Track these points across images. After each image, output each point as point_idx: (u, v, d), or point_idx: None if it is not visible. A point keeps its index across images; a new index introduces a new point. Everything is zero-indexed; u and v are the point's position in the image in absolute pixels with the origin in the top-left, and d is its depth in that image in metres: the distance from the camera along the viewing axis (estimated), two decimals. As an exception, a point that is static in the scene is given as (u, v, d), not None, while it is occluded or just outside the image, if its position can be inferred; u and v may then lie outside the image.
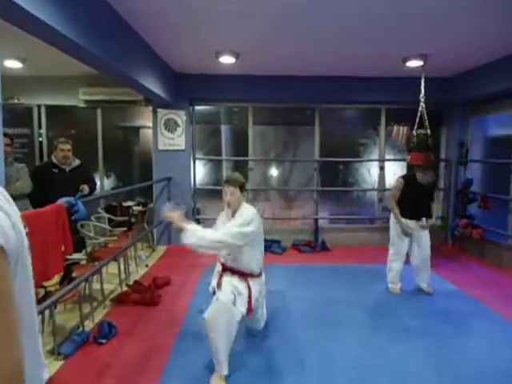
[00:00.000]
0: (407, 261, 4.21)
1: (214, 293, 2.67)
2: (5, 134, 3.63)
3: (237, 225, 2.55)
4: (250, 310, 2.61)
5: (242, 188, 2.70)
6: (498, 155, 5.52)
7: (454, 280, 4.49)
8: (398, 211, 4.06)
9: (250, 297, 2.62)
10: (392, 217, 4.20)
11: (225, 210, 2.87)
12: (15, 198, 3.38)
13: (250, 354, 2.86)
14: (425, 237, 4.06)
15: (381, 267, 5.09)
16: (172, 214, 2.64)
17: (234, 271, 2.70)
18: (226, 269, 2.74)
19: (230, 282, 2.63)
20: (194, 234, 2.55)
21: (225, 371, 2.42)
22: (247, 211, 2.66)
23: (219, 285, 2.66)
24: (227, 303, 2.45)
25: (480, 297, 4.02)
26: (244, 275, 2.68)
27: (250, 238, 2.57)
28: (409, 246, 4.12)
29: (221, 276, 2.73)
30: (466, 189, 5.85)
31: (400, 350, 2.95)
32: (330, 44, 4.27)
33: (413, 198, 4.00)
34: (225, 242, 2.51)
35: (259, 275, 2.79)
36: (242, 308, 2.55)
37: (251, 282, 2.68)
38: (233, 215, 2.72)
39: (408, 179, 4.09)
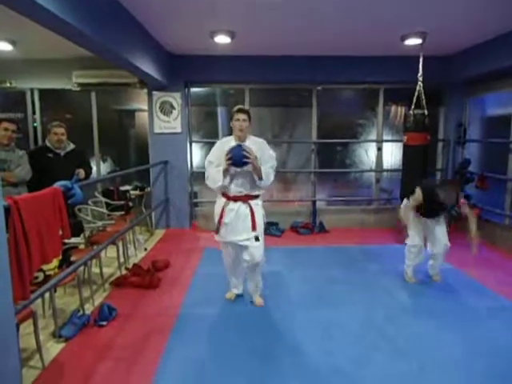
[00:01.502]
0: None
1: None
2: (11, 120, 3.64)
3: (271, 163, 3.15)
4: (253, 227, 3.06)
5: (249, 117, 3.12)
6: (495, 135, 5.50)
7: (451, 259, 4.52)
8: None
9: (252, 217, 3.06)
10: (404, 203, 4.01)
11: (223, 140, 3.22)
12: (15, 184, 3.40)
13: (249, 335, 2.89)
14: (441, 226, 3.84)
15: (378, 248, 5.15)
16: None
17: (237, 198, 3.09)
18: (229, 198, 3.11)
19: (230, 223, 3.08)
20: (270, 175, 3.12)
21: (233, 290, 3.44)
22: (264, 144, 3.20)
23: (218, 230, 3.16)
24: (231, 257, 3.27)
25: (476, 276, 4.07)
26: (247, 199, 3.10)
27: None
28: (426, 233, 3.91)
29: (222, 213, 3.11)
30: (464, 169, 5.85)
31: (397, 328, 3.00)
32: (327, 21, 4.18)
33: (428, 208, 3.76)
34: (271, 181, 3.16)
35: (259, 196, 3.20)
36: (244, 235, 3.07)
37: (252, 203, 3.10)
38: (240, 142, 3.08)
39: (428, 193, 3.67)
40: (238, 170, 3.00)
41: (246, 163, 2.93)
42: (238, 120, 3.03)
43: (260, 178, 3.02)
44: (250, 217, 3.07)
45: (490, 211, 5.40)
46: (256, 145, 3.10)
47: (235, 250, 3.23)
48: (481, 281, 3.93)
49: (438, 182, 4.14)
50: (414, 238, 3.86)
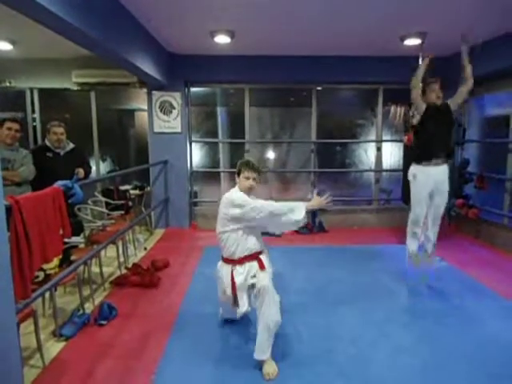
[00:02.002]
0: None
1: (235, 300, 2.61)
2: (14, 119, 3.65)
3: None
4: (261, 266, 2.59)
5: (260, 175, 2.74)
6: (494, 135, 5.52)
7: (451, 259, 4.55)
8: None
9: (260, 261, 2.61)
10: (412, 174, 3.81)
11: (237, 191, 2.69)
12: (19, 183, 3.40)
13: (249, 334, 2.90)
14: (442, 193, 3.75)
15: (378, 248, 5.16)
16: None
17: (243, 259, 2.61)
18: (236, 262, 2.62)
19: (244, 285, 2.57)
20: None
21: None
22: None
23: (236, 300, 2.61)
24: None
25: (476, 275, 4.08)
26: (257, 254, 2.66)
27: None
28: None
29: (232, 278, 2.60)
30: (463, 169, 5.86)
31: (397, 327, 3.01)
32: (327, 21, 4.19)
33: (433, 132, 3.67)
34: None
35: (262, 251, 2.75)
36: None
37: (261, 257, 2.66)
38: None
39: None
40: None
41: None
42: (248, 178, 2.63)
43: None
44: (256, 265, 2.61)
45: (489, 211, 5.41)
46: None
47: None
48: (480, 280, 3.94)
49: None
50: (419, 212, 3.80)
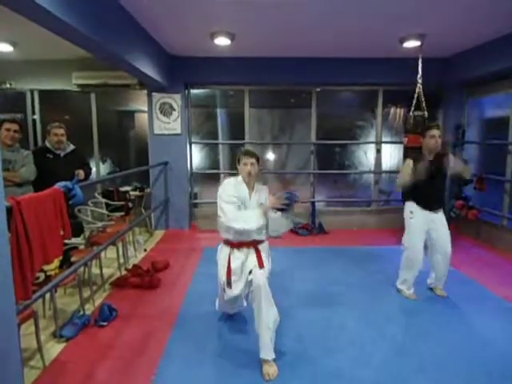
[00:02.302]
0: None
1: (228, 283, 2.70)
2: (13, 120, 3.67)
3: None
4: (260, 264, 2.66)
5: (258, 161, 2.79)
6: (494, 136, 5.53)
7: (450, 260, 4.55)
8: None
9: (258, 255, 2.70)
10: (408, 210, 3.58)
11: (233, 182, 2.78)
12: (20, 184, 3.40)
13: (249, 334, 2.90)
14: (442, 229, 3.49)
15: (377, 249, 5.17)
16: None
17: (243, 244, 2.73)
18: (234, 245, 2.74)
19: (237, 271, 2.68)
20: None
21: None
22: (267, 191, 2.88)
23: (229, 283, 2.69)
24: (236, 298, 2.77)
25: (475, 276, 4.09)
26: (252, 244, 2.74)
27: None
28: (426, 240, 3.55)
29: (229, 266, 2.70)
30: (462, 170, 5.87)
31: (396, 328, 3.02)
32: (327, 23, 4.20)
33: (427, 191, 3.45)
34: None
35: (265, 240, 2.85)
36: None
37: (260, 246, 2.76)
38: (250, 188, 2.78)
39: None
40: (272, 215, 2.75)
41: (286, 210, 2.73)
42: (246, 164, 2.71)
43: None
44: (255, 257, 2.70)
45: (489, 212, 5.42)
46: (262, 192, 2.87)
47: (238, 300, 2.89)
48: (480, 281, 3.94)
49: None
50: (414, 242, 3.49)
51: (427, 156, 3.45)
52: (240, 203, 2.70)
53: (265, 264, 2.67)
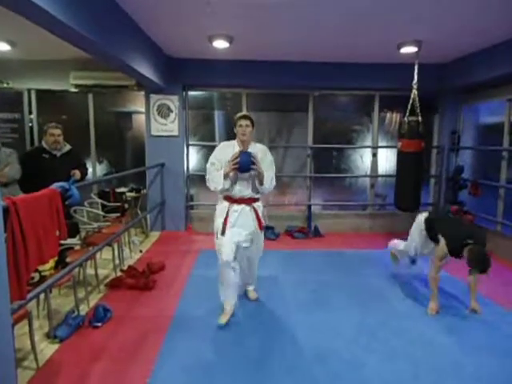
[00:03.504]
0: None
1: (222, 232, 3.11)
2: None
3: (271, 172, 3.20)
4: (260, 226, 3.24)
5: (253, 123, 3.17)
6: (488, 142, 5.58)
7: (446, 267, 4.56)
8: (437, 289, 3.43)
9: (258, 217, 3.21)
10: (418, 220, 3.79)
11: (226, 144, 3.29)
12: (5, 184, 3.36)
13: (244, 337, 2.91)
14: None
15: (373, 253, 5.19)
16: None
17: (241, 201, 3.16)
18: (233, 201, 3.16)
19: (236, 224, 3.11)
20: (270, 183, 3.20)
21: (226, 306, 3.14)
22: (266, 150, 3.26)
23: (223, 231, 3.10)
24: (228, 261, 3.02)
25: (468, 282, 4.10)
26: (250, 201, 3.19)
27: None
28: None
29: (226, 216, 3.12)
30: (457, 175, 5.92)
31: (391, 332, 3.03)
32: (324, 28, 4.23)
33: None
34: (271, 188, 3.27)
35: (260, 198, 3.30)
36: (245, 243, 3.16)
37: (255, 205, 3.22)
38: (243, 147, 3.16)
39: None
40: (241, 174, 3.08)
41: (251, 169, 3.01)
42: (241, 126, 3.11)
43: (261, 184, 3.11)
44: (254, 217, 3.20)
45: (483, 218, 5.46)
46: (259, 151, 3.20)
47: (235, 252, 3.10)
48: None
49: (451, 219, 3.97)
50: (410, 248, 3.84)
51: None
52: (221, 165, 3.11)
53: (262, 223, 3.24)
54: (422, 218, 3.75)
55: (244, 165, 2.99)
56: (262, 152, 3.22)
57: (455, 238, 3.21)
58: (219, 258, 3.12)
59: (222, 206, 3.20)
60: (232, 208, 3.15)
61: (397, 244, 4.18)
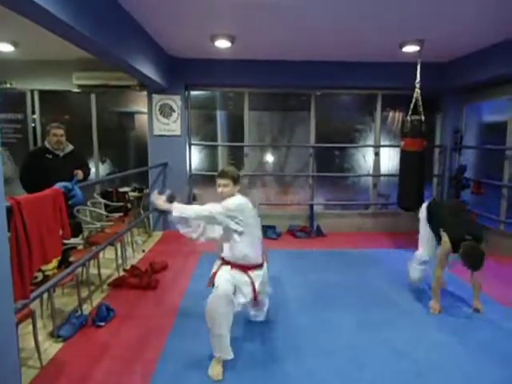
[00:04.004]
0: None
1: (212, 285, 2.60)
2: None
3: (208, 207, 2.65)
4: (255, 297, 2.65)
5: (235, 181, 2.70)
6: (491, 141, 5.56)
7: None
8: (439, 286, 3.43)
9: (253, 286, 2.62)
10: (421, 216, 3.69)
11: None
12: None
13: (247, 337, 2.92)
14: None
15: (375, 252, 5.18)
16: (158, 200, 2.74)
17: (233, 265, 2.65)
18: (225, 263, 2.70)
19: (229, 272, 2.61)
20: (179, 208, 2.68)
21: (222, 356, 2.46)
22: (235, 198, 2.66)
23: (214, 275, 2.64)
24: (226, 292, 2.46)
25: (471, 281, 4.09)
26: (244, 268, 2.64)
27: (235, 214, 2.58)
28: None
29: (219, 268, 2.69)
30: (460, 175, 5.90)
31: (394, 330, 3.03)
32: (327, 27, 4.23)
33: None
34: (208, 211, 2.61)
35: (260, 266, 2.74)
36: (241, 299, 2.58)
37: (252, 273, 2.65)
38: None
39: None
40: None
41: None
42: (219, 186, 2.70)
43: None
44: (249, 287, 2.62)
45: (486, 217, 5.44)
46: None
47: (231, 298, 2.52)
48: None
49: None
50: (425, 252, 3.62)
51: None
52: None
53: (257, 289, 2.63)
54: (424, 206, 3.74)
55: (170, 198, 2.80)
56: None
57: (455, 234, 3.21)
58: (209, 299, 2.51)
59: (216, 265, 2.79)
60: (223, 266, 2.70)
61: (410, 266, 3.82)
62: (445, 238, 3.27)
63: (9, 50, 4.99)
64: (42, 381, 2.38)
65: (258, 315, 3.09)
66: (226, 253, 2.69)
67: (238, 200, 2.63)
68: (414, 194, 5.02)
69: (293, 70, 5.81)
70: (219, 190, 2.70)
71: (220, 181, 2.70)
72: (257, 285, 2.63)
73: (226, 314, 2.44)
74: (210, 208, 2.61)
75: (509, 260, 4.87)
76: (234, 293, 2.54)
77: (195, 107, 6.28)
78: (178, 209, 2.67)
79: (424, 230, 3.68)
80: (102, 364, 2.55)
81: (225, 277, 2.56)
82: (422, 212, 3.73)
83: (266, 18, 3.92)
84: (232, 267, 2.64)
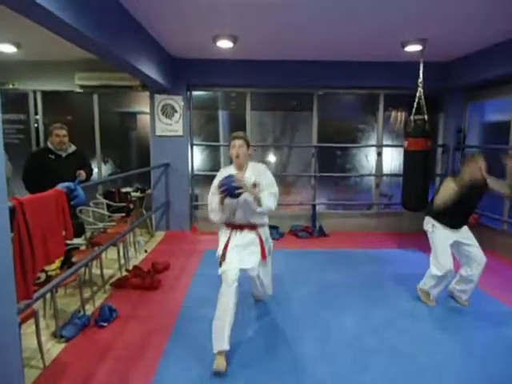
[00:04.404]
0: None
1: (220, 263, 2.81)
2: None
3: (272, 188, 2.85)
4: (263, 256, 2.89)
5: (248, 143, 2.92)
6: (494, 141, 5.54)
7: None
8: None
9: (262, 244, 2.89)
10: (430, 223, 3.47)
11: (225, 168, 3.03)
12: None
13: (249, 337, 2.91)
14: (470, 237, 3.39)
15: (378, 252, 5.17)
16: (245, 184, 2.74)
17: (244, 226, 2.89)
18: (235, 227, 2.90)
19: (238, 246, 2.82)
20: (268, 200, 2.81)
21: (223, 346, 2.56)
22: (264, 170, 2.92)
23: (224, 256, 2.81)
24: (235, 282, 2.65)
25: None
26: (254, 227, 2.91)
27: None
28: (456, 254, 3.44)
29: (228, 240, 2.86)
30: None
31: (396, 332, 3.02)
32: (329, 27, 4.22)
33: (460, 208, 3.27)
34: (276, 196, 2.86)
35: (265, 224, 3.03)
36: (253, 261, 2.82)
37: (260, 230, 2.93)
38: (242, 170, 2.91)
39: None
40: (235, 200, 2.79)
41: (239, 194, 2.68)
42: (234, 147, 2.87)
43: (259, 205, 2.77)
44: (258, 244, 2.88)
45: (489, 217, 5.42)
46: (256, 171, 2.92)
47: (238, 278, 2.72)
48: (480, 286, 3.93)
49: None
50: (445, 263, 3.29)
51: (468, 182, 3.23)
52: None
53: (266, 254, 2.93)
54: (426, 218, 3.54)
55: (229, 191, 2.66)
56: (261, 172, 2.93)
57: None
58: (222, 287, 2.73)
59: (224, 231, 2.97)
60: (233, 233, 2.90)
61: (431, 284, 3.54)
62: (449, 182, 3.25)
63: (11, 51, 5.01)
64: (44, 381, 2.38)
65: (260, 296, 3.43)
66: (242, 216, 2.86)
67: (270, 175, 2.92)
68: (419, 194, 5.01)
69: (295, 70, 5.80)
70: (234, 150, 2.86)
71: (236, 141, 2.87)
72: (264, 239, 2.93)
73: (234, 305, 2.65)
74: (276, 192, 2.86)
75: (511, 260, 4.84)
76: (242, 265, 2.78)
77: (197, 107, 6.28)
78: (267, 201, 2.79)
79: (437, 239, 3.40)
80: (104, 365, 2.55)
81: (233, 268, 2.70)
82: (427, 223, 3.51)
83: (268, 18, 3.91)
84: (242, 229, 2.88)
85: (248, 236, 2.88)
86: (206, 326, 3.06)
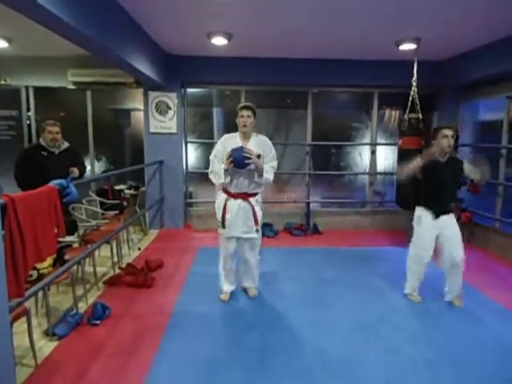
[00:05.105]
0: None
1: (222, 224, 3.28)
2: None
3: (274, 162, 3.27)
4: (256, 223, 3.27)
5: (254, 114, 3.20)
6: (487, 139, 5.58)
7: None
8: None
9: (254, 212, 3.25)
10: (416, 216, 3.50)
11: (229, 136, 3.31)
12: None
13: (243, 334, 2.91)
14: (452, 234, 3.37)
15: (371, 250, 5.20)
16: (252, 154, 3.06)
17: (238, 195, 3.23)
18: (231, 195, 3.25)
19: (236, 215, 3.22)
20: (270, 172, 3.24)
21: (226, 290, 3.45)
22: (265, 140, 3.27)
23: (224, 223, 3.25)
24: (231, 255, 3.38)
25: (467, 278, 4.09)
26: (247, 196, 3.25)
27: None
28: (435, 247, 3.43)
29: (225, 206, 3.24)
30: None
31: (389, 328, 3.04)
32: (324, 25, 4.22)
33: (437, 189, 3.33)
34: (275, 169, 3.30)
35: (258, 193, 3.35)
36: (247, 226, 3.26)
37: (252, 200, 3.26)
38: (246, 139, 3.22)
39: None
40: (240, 170, 3.12)
41: (247, 164, 3.02)
42: (243, 116, 3.14)
43: (261, 176, 3.15)
44: (251, 213, 3.24)
45: (482, 215, 5.47)
46: (259, 142, 3.23)
47: (235, 245, 3.37)
48: (472, 283, 3.97)
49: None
50: (422, 246, 3.37)
51: (437, 157, 3.30)
52: (222, 158, 3.16)
53: (258, 220, 3.28)
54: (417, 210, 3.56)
55: (239, 161, 3.01)
56: (266, 144, 3.26)
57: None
58: (221, 247, 3.38)
59: (221, 198, 3.32)
60: (229, 202, 3.25)
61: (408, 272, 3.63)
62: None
63: (3, 46, 4.95)
64: (36, 379, 2.36)
65: (249, 285, 3.59)
66: (238, 186, 3.21)
67: (271, 145, 3.29)
68: (413, 192, 5.01)
69: (290, 68, 5.80)
70: (242, 120, 3.15)
71: (244, 112, 3.14)
72: (257, 209, 3.28)
73: (229, 266, 3.43)
74: (276, 166, 3.29)
75: (505, 258, 4.88)
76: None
77: (191, 105, 6.25)
78: (268, 174, 3.22)
79: (420, 230, 3.45)
80: (96, 363, 2.54)
81: (229, 237, 3.29)
82: (414, 216, 3.55)
83: (263, 15, 3.90)
84: (238, 198, 3.23)
85: (241, 205, 3.22)
86: (199, 323, 3.07)
